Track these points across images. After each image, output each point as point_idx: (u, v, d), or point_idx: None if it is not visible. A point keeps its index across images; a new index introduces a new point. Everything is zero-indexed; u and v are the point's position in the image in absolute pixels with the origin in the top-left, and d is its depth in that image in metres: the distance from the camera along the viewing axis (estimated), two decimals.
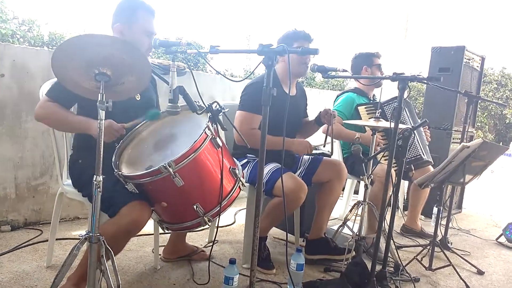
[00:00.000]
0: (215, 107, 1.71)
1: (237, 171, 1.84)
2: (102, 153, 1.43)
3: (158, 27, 1.99)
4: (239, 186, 1.85)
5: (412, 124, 2.90)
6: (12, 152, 2.69)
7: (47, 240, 2.26)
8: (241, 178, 1.86)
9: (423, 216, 3.80)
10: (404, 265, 2.43)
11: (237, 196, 1.84)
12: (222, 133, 1.92)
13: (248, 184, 2.36)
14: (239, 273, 1.98)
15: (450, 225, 3.09)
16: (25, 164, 2.76)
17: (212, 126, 1.71)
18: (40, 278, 2.09)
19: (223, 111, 1.72)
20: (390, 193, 2.32)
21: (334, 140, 2.36)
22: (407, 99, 2.80)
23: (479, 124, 13.94)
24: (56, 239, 2.30)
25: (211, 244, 2.74)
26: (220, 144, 1.73)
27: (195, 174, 1.66)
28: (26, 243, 2.49)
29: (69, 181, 2.06)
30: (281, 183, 1.81)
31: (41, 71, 2.72)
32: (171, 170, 1.56)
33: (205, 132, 1.64)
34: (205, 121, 1.70)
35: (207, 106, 1.71)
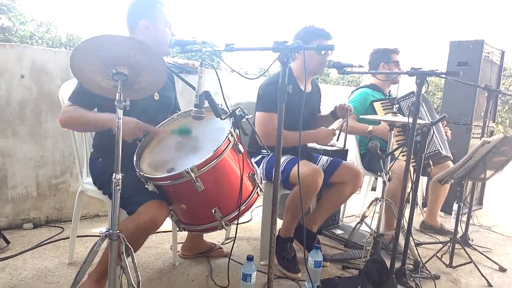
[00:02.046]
0: (238, 112, 1.71)
1: (256, 177, 1.84)
2: (120, 151, 1.44)
3: (171, 17, 2.04)
4: (258, 192, 1.85)
5: (430, 120, 2.85)
6: (33, 151, 2.75)
7: (68, 238, 2.30)
8: (260, 184, 1.86)
9: (442, 213, 3.74)
10: (424, 262, 2.40)
11: (255, 202, 1.84)
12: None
13: (264, 181, 2.36)
14: (257, 270, 1.99)
15: (470, 221, 3.03)
16: (46, 163, 2.82)
17: (234, 131, 1.71)
18: (62, 274, 2.14)
19: (246, 117, 1.72)
20: (409, 190, 2.29)
21: (348, 134, 2.34)
22: (424, 94, 2.76)
23: (500, 119, 13.62)
24: (77, 236, 2.35)
25: (228, 241, 2.76)
26: (242, 150, 1.74)
27: (216, 179, 1.67)
28: (48, 241, 2.55)
29: (89, 179, 2.09)
30: (297, 169, 1.77)
31: (60, 72, 2.77)
32: (193, 175, 1.57)
33: (228, 138, 1.65)
34: (228, 126, 1.70)
35: (231, 111, 1.70)
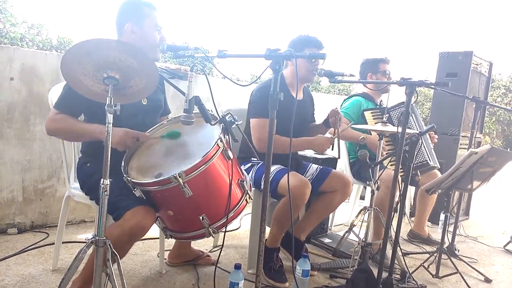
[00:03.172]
0: (229, 118, 1.70)
1: (245, 184, 1.82)
2: (109, 156, 1.43)
3: (162, 21, 2.02)
4: (246, 199, 1.83)
5: (419, 129, 2.88)
6: (20, 155, 2.71)
7: (53, 243, 2.27)
8: (249, 191, 1.85)
9: (430, 223, 3.77)
10: (410, 272, 2.41)
11: (243, 209, 1.83)
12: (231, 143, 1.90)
13: (253, 188, 2.35)
14: (244, 279, 1.97)
15: (457, 232, 3.06)
16: (33, 167, 2.78)
17: (224, 137, 1.70)
18: (46, 281, 2.10)
19: (236, 123, 1.71)
20: (397, 199, 2.30)
21: (340, 142, 2.34)
22: (413, 104, 2.79)
23: (487, 130, 13.82)
24: (63, 242, 2.31)
25: (216, 248, 2.74)
26: (231, 156, 1.73)
27: (204, 186, 1.65)
28: (32, 246, 2.50)
29: (77, 184, 2.06)
30: (287, 180, 1.77)
31: (50, 75, 2.75)
32: (181, 180, 1.55)
33: (217, 143, 1.64)
34: (218, 132, 1.68)
35: (220, 117, 1.70)
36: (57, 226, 2.22)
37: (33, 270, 2.20)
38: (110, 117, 1.41)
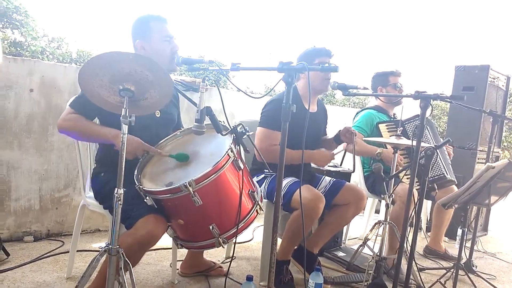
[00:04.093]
0: (240, 129, 1.72)
1: (255, 195, 1.83)
2: (123, 166, 1.45)
3: (174, 31, 2.05)
4: (257, 210, 1.83)
5: (434, 143, 2.85)
6: (38, 164, 2.77)
7: (68, 251, 2.29)
8: (259, 202, 1.85)
9: (447, 238, 3.69)
10: None
11: (253, 220, 1.83)
12: (243, 154, 1.92)
13: (265, 200, 2.35)
14: None
15: (475, 247, 2.99)
16: (50, 176, 2.84)
17: (235, 147, 1.71)
18: None
19: (247, 133, 1.73)
20: (412, 213, 2.27)
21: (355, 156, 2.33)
22: (429, 117, 2.77)
23: (506, 144, 13.55)
24: (77, 251, 2.34)
25: (228, 260, 2.73)
26: (242, 166, 1.74)
27: (214, 195, 1.67)
28: (47, 254, 2.54)
29: (91, 194, 2.10)
30: (299, 193, 1.78)
31: (68, 87, 2.82)
32: (191, 189, 1.57)
33: (227, 153, 1.65)
34: (229, 142, 1.70)
35: (232, 128, 1.72)
36: (72, 234, 2.26)
37: (48, 278, 2.23)
38: (125, 128, 1.44)
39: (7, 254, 2.42)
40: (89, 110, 1.85)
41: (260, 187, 2.11)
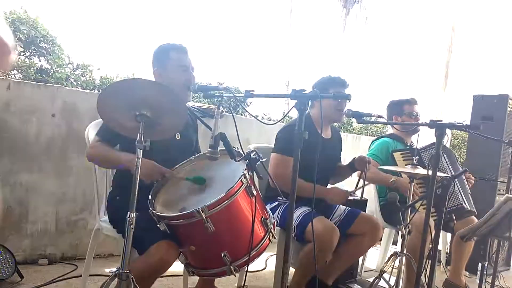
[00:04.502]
0: (253, 155, 1.73)
1: (268, 222, 1.81)
2: (137, 190, 1.47)
3: (194, 61, 2.11)
4: (269, 238, 1.81)
5: (452, 173, 2.79)
6: (56, 187, 2.83)
7: (81, 275, 2.30)
8: (272, 230, 1.84)
9: (467, 273, 3.55)
10: None
11: (266, 247, 1.81)
12: (256, 180, 1.92)
13: (278, 228, 2.32)
14: None
15: (497, 283, 2.86)
16: (67, 199, 2.88)
17: (248, 174, 1.71)
18: None
19: (260, 160, 1.73)
20: (430, 245, 2.21)
21: (367, 184, 2.31)
22: (446, 146, 2.73)
23: None
24: (90, 275, 2.34)
25: None
26: (255, 193, 1.73)
27: (226, 222, 1.66)
28: (60, 278, 2.55)
29: (106, 217, 2.12)
30: (311, 226, 1.76)
31: (89, 112, 2.89)
32: (203, 215, 1.56)
33: (241, 180, 1.65)
34: (242, 168, 1.71)
35: (245, 154, 1.73)
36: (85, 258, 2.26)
37: None
38: (139, 153, 1.47)
39: (21, 277, 2.44)
40: (112, 136, 1.90)
41: (273, 215, 2.09)
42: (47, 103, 2.76)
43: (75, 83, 7.09)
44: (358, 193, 2.31)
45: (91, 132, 2.12)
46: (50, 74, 6.64)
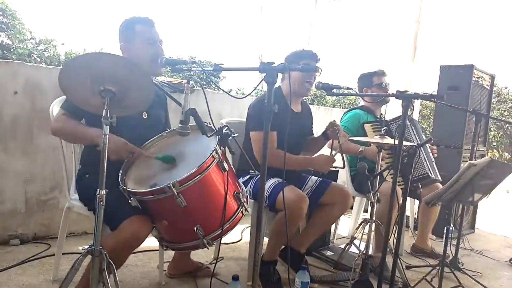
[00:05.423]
0: (225, 130, 1.72)
1: (241, 196, 1.83)
2: (105, 167, 1.45)
3: (164, 35, 2.06)
4: (242, 211, 1.84)
5: (418, 142, 2.88)
6: (23, 167, 2.75)
7: (54, 254, 2.28)
8: (245, 203, 1.86)
9: (434, 237, 3.73)
10: (412, 285, 2.38)
11: (239, 220, 1.83)
12: (229, 156, 1.91)
13: (251, 201, 2.36)
14: None
15: (462, 245, 3.02)
16: (36, 179, 2.82)
17: (220, 149, 1.71)
18: None
19: (232, 135, 1.73)
20: (397, 212, 2.29)
21: (338, 151, 2.35)
22: (412, 117, 2.80)
23: (495, 144, 13.72)
24: (63, 254, 2.32)
25: (216, 260, 2.73)
26: (227, 168, 1.74)
27: (198, 196, 1.67)
28: (33, 257, 2.52)
29: (76, 196, 2.09)
30: (283, 194, 1.79)
31: (53, 89, 2.79)
32: (175, 190, 1.57)
33: (212, 155, 1.65)
34: (214, 143, 1.71)
35: (217, 129, 1.72)
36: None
37: (33, 281, 2.22)
38: (106, 129, 1.44)
39: None
40: (76, 109, 1.84)
41: (246, 188, 2.11)
42: (8, 81, 2.64)
43: (38, 59, 6.81)
44: (338, 163, 2.35)
45: (55, 109, 2.06)
46: (12, 50, 6.35)
